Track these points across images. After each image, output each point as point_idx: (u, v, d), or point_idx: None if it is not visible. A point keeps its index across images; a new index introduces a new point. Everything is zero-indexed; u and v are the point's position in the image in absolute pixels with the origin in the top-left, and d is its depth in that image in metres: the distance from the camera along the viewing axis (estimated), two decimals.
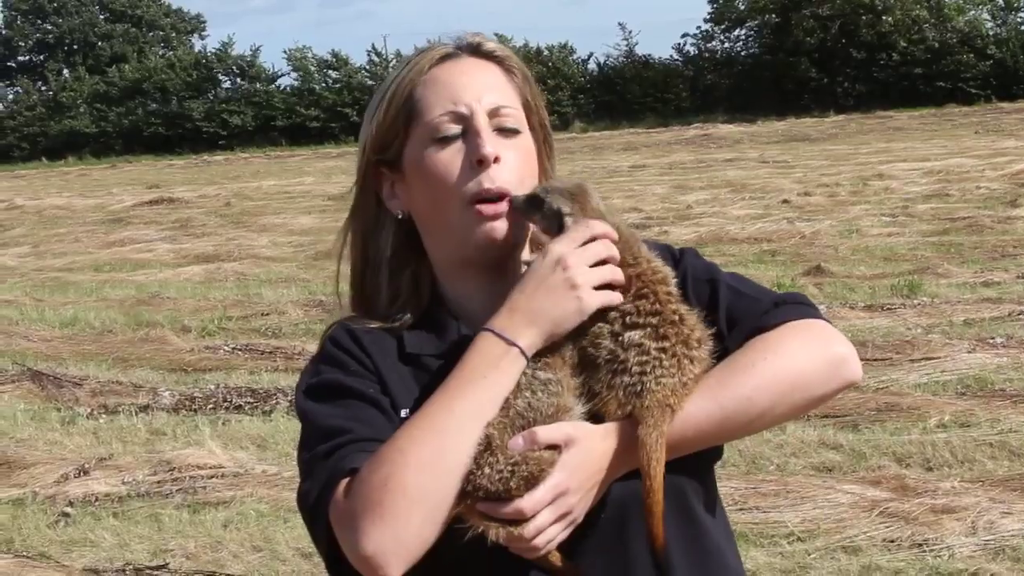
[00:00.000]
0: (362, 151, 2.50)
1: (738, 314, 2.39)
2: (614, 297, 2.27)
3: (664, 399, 2.23)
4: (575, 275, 2.24)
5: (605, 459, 2.20)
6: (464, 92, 2.39)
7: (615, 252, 2.30)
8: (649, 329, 2.27)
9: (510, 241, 2.39)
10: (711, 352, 2.31)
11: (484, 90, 2.41)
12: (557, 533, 2.16)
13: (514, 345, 2.22)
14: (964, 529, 6.97)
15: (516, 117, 2.43)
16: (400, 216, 2.46)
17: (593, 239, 2.28)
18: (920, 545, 6.83)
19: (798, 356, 2.30)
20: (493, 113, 2.39)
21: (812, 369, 2.31)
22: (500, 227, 2.36)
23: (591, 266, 2.26)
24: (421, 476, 2.11)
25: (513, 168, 2.38)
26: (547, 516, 2.14)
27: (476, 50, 2.47)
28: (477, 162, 2.34)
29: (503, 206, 2.36)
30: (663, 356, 2.25)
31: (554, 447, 2.16)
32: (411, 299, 2.47)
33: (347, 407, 2.30)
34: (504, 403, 2.20)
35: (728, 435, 2.34)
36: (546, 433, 2.17)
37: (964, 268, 15.21)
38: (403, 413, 2.30)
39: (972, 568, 6.55)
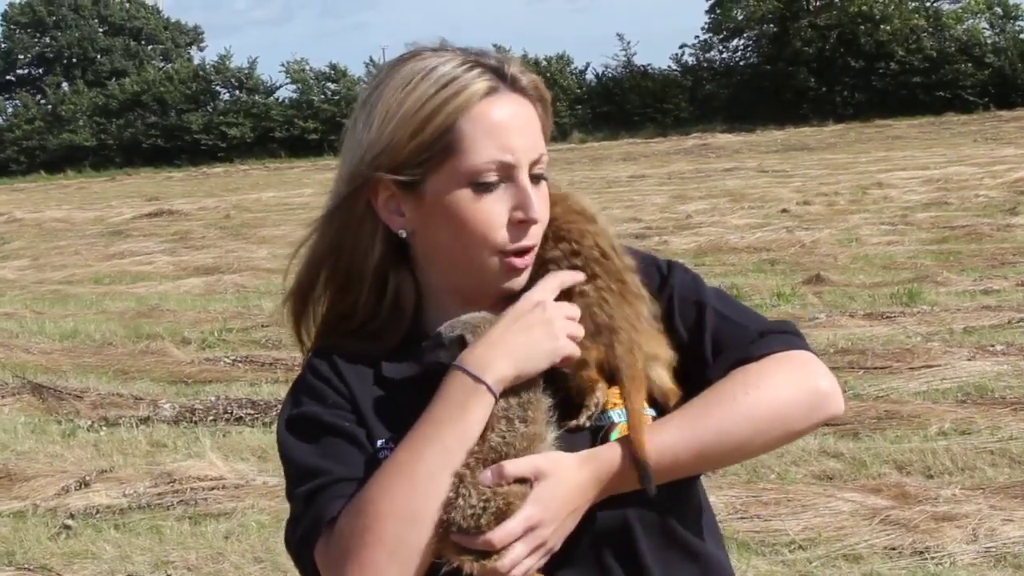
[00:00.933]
0: (360, 159, 2.34)
1: (723, 341, 2.36)
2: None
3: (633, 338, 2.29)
4: (553, 316, 2.25)
5: (580, 489, 2.19)
6: (514, 140, 2.30)
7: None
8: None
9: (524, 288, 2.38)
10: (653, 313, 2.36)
11: (532, 138, 2.33)
12: (533, 564, 2.16)
13: (481, 382, 2.20)
14: (965, 537, 6.96)
15: (546, 161, 2.36)
16: (403, 235, 2.36)
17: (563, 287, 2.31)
18: (921, 553, 6.83)
19: (780, 391, 2.29)
20: (535, 162, 2.33)
21: (794, 404, 2.30)
22: (523, 279, 2.35)
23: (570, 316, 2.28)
24: (396, 527, 2.14)
25: (543, 218, 2.35)
26: (521, 549, 2.13)
27: (515, 84, 2.34)
28: (520, 221, 2.30)
29: (530, 258, 2.34)
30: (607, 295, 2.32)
31: (524, 480, 2.16)
32: (391, 318, 2.41)
33: (324, 445, 2.30)
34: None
35: (705, 466, 2.33)
36: (514, 467, 2.15)
37: (963, 276, 15.21)
38: (379, 443, 2.29)
39: None
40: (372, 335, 2.41)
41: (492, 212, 2.29)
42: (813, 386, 2.31)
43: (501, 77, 2.32)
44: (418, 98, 2.29)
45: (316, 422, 2.33)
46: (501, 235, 2.30)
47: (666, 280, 2.43)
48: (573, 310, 2.29)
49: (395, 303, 2.41)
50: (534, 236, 2.32)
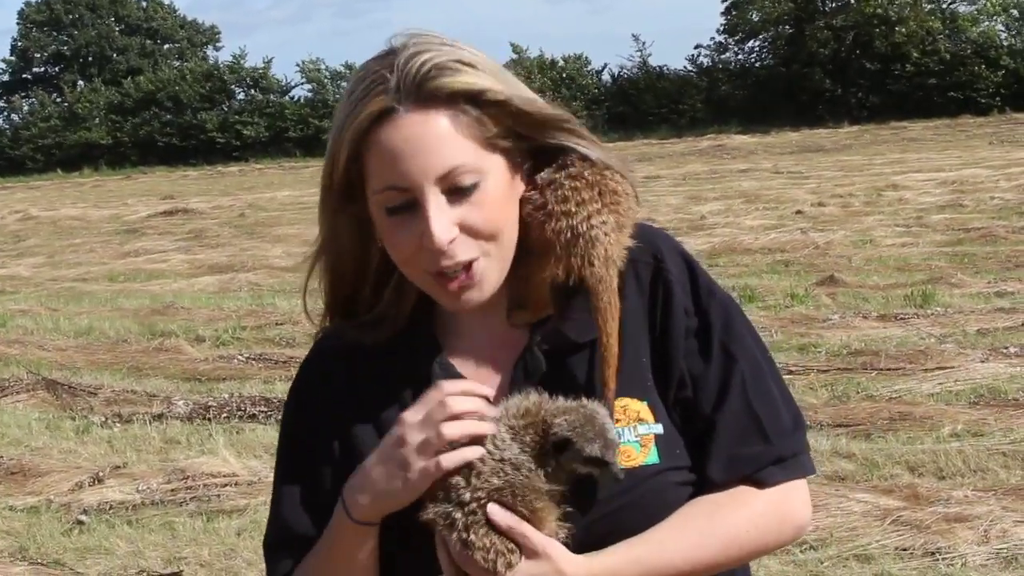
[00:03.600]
0: (327, 188, 2.35)
1: (736, 438, 2.32)
2: (465, 454, 2.18)
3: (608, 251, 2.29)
4: (407, 454, 2.19)
5: None
6: (406, 164, 2.20)
7: (473, 406, 2.22)
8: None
9: (486, 300, 2.32)
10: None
11: (429, 157, 2.20)
12: None
13: (348, 516, 2.27)
14: (977, 538, 6.96)
15: (473, 170, 2.23)
16: (381, 245, 2.35)
17: (443, 403, 2.21)
18: (933, 554, 6.83)
19: (769, 532, 2.33)
20: (443, 179, 2.21)
21: (777, 539, 2.37)
22: (470, 298, 2.29)
23: (447, 419, 2.20)
24: None
25: (479, 229, 2.24)
26: None
27: (419, 94, 2.20)
28: (428, 249, 2.23)
29: (471, 276, 2.27)
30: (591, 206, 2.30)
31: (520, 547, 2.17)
32: (390, 312, 2.42)
33: (294, 464, 2.45)
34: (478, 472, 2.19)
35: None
36: (527, 534, 2.16)
37: (978, 278, 15.19)
38: (361, 452, 2.34)
39: None
40: (371, 325, 2.43)
41: (402, 236, 2.25)
42: (799, 525, 2.38)
43: (401, 93, 2.20)
44: (335, 128, 2.28)
45: (293, 439, 2.48)
46: (418, 256, 2.25)
47: (699, 303, 2.38)
48: (450, 409, 2.20)
49: (395, 300, 2.42)
50: (453, 256, 2.23)
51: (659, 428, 2.30)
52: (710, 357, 2.34)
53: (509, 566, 2.14)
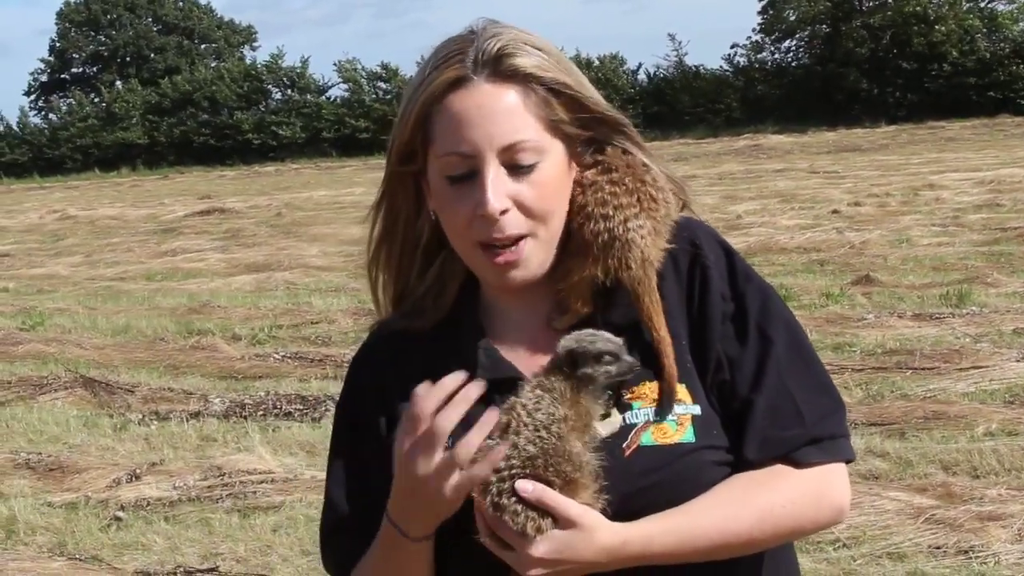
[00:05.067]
0: (389, 149, 2.46)
1: (772, 418, 2.35)
2: (494, 458, 2.18)
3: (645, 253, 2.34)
4: (432, 486, 2.20)
5: (592, 555, 2.21)
6: (472, 131, 2.29)
7: (460, 408, 2.19)
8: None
9: (529, 282, 2.38)
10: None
11: (495, 127, 2.30)
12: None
13: (406, 536, 2.29)
14: (1010, 536, 6.95)
15: (535, 148, 2.31)
16: (434, 217, 2.43)
17: (418, 422, 2.20)
18: (966, 552, 6.82)
19: (806, 511, 2.34)
20: (506, 151, 2.29)
21: (814, 520, 2.36)
22: (515, 276, 2.35)
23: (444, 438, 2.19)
24: None
25: (531, 207, 2.31)
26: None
27: (496, 69, 2.31)
28: (481, 215, 2.30)
29: (518, 253, 2.33)
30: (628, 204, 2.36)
31: (551, 516, 2.19)
32: (433, 297, 2.48)
33: (345, 449, 2.53)
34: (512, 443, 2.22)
35: (704, 558, 2.30)
36: (554, 501, 2.18)
37: (1014, 278, 15.11)
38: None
39: (1018, 575, 6.54)
40: (416, 312, 2.50)
41: (460, 204, 2.32)
42: (837, 507, 2.38)
43: (478, 64, 2.31)
44: (408, 94, 2.39)
45: (345, 432, 2.55)
46: (471, 226, 2.32)
47: (736, 288, 2.42)
48: (450, 420, 2.19)
49: (437, 283, 2.48)
50: (503, 229, 2.30)
51: (696, 409, 2.33)
52: (747, 340, 2.37)
53: (539, 530, 2.17)
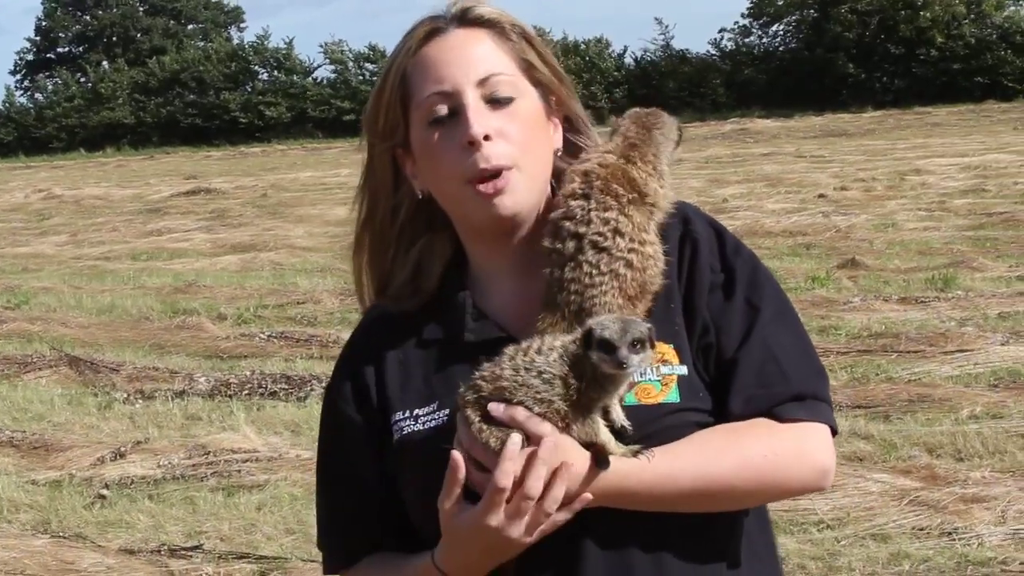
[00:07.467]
0: (366, 124, 2.52)
1: (758, 377, 2.38)
2: (575, 506, 2.23)
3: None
4: (512, 539, 2.23)
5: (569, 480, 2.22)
6: (449, 69, 2.40)
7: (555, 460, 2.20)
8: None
9: (517, 213, 2.42)
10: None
11: (471, 63, 2.41)
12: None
13: None
14: (993, 518, 6.98)
15: (510, 83, 2.42)
16: (420, 196, 2.48)
17: (501, 495, 2.20)
18: (949, 534, 6.84)
19: (788, 466, 2.35)
20: (483, 83, 2.40)
21: (795, 478, 2.37)
22: (503, 203, 2.39)
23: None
24: None
25: (512, 138, 2.39)
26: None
27: (464, 18, 2.46)
28: (468, 143, 2.36)
29: (503, 181, 2.38)
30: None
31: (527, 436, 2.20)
32: (417, 278, 2.52)
33: (333, 447, 2.65)
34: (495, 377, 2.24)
35: (689, 506, 2.33)
36: (531, 421, 2.20)
37: (999, 262, 15.16)
38: (396, 416, 2.44)
39: (1001, 556, 6.56)
40: (401, 296, 2.53)
41: (444, 144, 2.39)
42: (820, 468, 2.39)
43: (447, 19, 2.46)
44: (383, 69, 2.51)
45: (334, 422, 2.61)
46: (456, 163, 2.38)
47: (726, 260, 2.46)
48: (539, 478, 2.20)
49: (419, 267, 2.52)
50: (487, 158, 2.36)
51: (683, 370, 2.36)
52: (734, 308, 2.41)
53: (501, 442, 2.18)
